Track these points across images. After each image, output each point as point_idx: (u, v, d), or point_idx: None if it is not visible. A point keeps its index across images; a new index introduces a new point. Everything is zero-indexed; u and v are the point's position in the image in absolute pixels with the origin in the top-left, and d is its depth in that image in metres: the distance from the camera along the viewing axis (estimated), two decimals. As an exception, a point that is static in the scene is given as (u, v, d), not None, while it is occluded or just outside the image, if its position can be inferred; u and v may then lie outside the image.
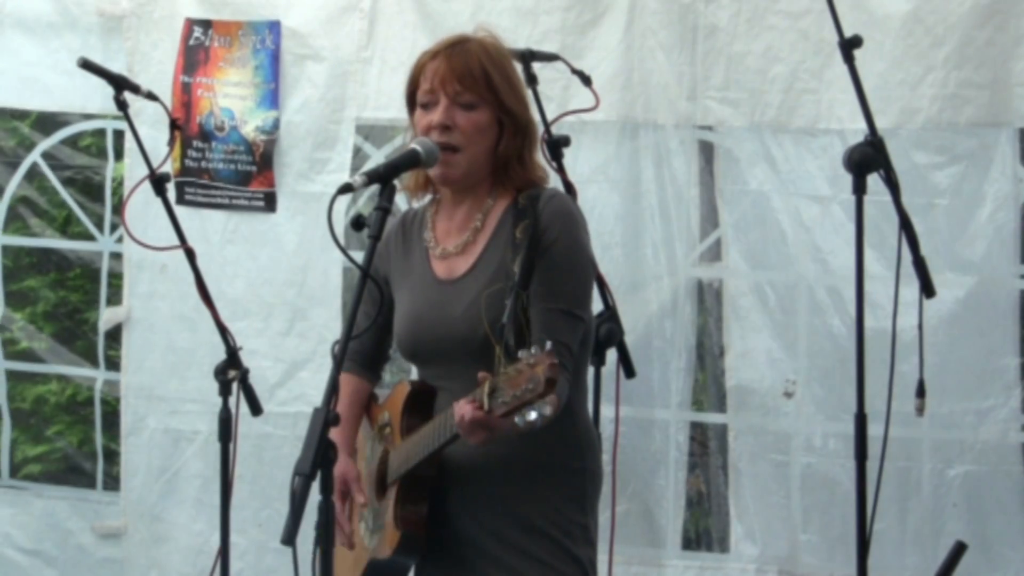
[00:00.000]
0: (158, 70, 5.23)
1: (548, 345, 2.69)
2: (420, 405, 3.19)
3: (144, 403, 5.39)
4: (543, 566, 3.12)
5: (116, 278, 5.59)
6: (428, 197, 3.33)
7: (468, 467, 3.12)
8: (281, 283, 5.23)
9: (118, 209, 5.51)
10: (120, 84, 3.94)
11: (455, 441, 2.96)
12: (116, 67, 4.52)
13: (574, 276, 3.13)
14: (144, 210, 4.77)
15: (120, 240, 5.50)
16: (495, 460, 3.10)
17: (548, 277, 3.07)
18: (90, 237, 5.75)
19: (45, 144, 5.83)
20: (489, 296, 3.07)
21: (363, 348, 3.40)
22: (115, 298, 5.56)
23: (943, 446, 4.66)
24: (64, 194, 5.99)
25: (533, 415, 2.70)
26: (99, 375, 5.68)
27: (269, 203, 5.21)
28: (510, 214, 3.15)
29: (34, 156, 5.77)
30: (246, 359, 3.90)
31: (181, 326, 5.28)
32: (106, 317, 5.47)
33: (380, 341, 3.42)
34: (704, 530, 5.71)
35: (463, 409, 2.85)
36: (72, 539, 5.54)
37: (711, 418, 5.37)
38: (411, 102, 3.22)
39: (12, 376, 5.91)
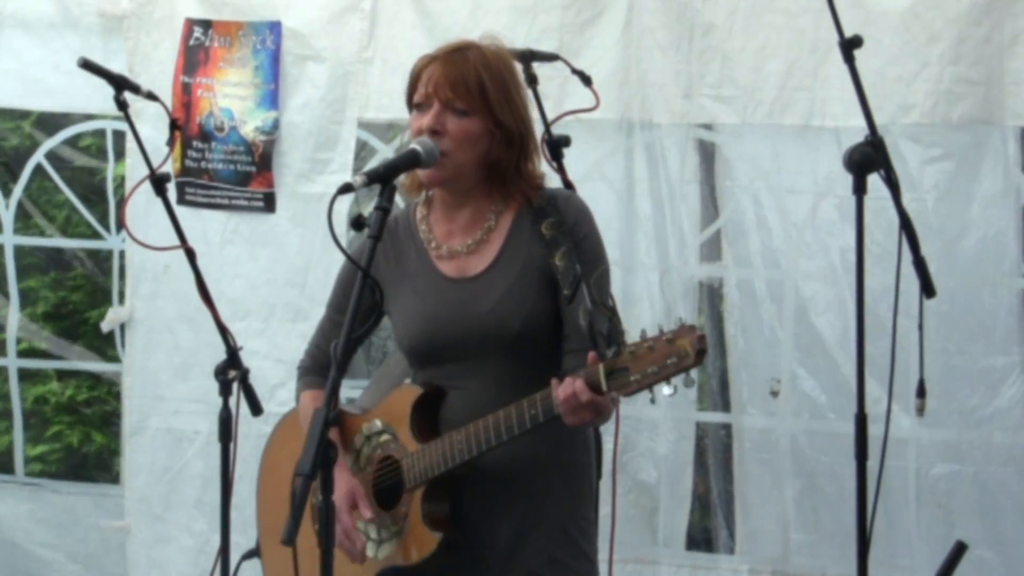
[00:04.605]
0: (159, 70, 5.23)
1: (684, 319, 2.73)
2: (429, 408, 3.17)
3: (148, 403, 5.40)
4: (562, 567, 3.14)
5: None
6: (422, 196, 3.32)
7: (495, 468, 3.10)
8: (282, 284, 5.23)
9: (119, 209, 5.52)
10: (120, 84, 3.94)
11: (533, 429, 2.95)
12: (116, 67, 4.51)
13: (604, 269, 3.17)
14: (146, 210, 4.79)
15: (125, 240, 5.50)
16: (523, 460, 3.11)
17: (585, 271, 3.09)
18: (97, 236, 5.74)
19: (49, 144, 5.83)
20: (518, 289, 3.11)
21: (328, 359, 3.26)
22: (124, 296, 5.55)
23: (954, 446, 4.66)
24: (69, 194, 5.99)
25: (668, 389, 2.72)
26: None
27: (268, 204, 5.21)
28: (526, 214, 3.17)
29: (38, 157, 5.77)
30: (247, 359, 3.90)
31: (184, 327, 5.28)
32: (109, 318, 5.46)
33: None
34: (703, 530, 5.71)
35: (573, 387, 2.85)
36: (95, 534, 5.55)
37: (713, 418, 5.37)
38: (411, 103, 3.23)
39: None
